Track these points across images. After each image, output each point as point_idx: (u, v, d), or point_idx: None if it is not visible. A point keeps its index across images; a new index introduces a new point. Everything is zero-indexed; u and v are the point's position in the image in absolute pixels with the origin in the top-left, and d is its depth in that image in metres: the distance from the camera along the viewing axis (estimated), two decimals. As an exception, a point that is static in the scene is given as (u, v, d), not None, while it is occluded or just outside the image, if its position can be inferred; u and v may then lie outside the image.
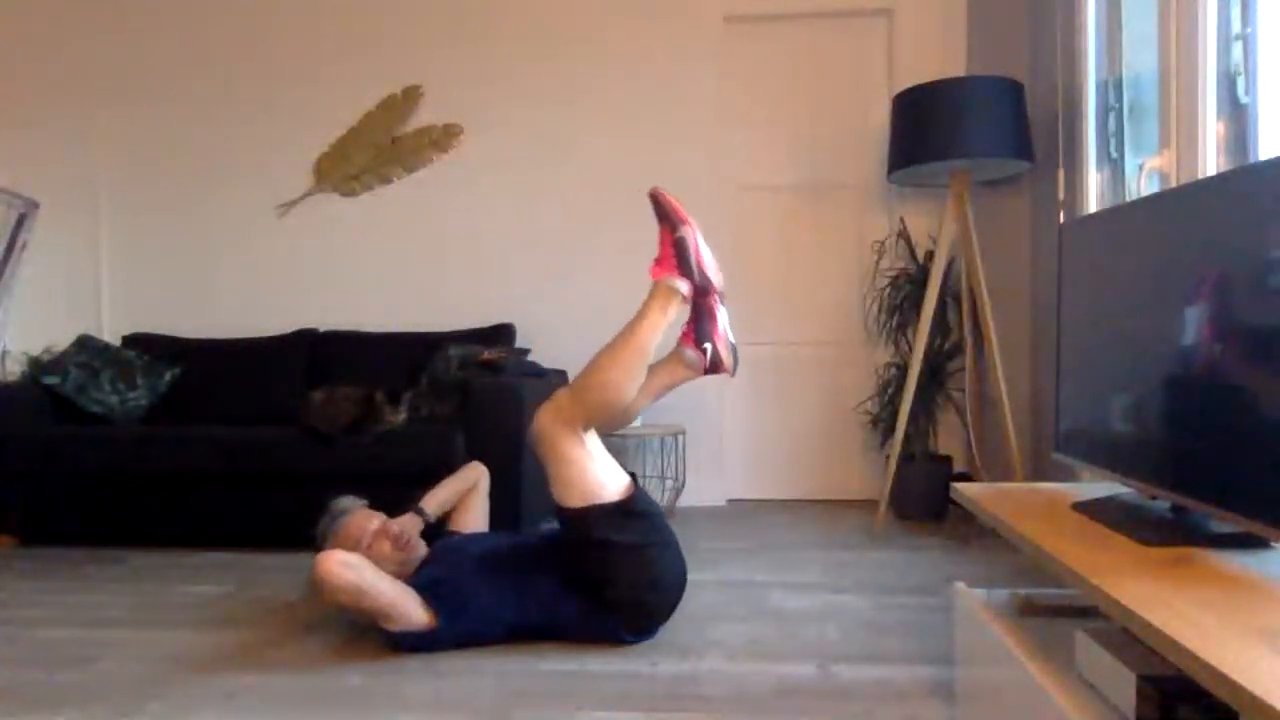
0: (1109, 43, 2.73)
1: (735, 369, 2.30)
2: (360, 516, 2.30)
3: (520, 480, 3.03)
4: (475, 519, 2.54)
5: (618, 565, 2.08)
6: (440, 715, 1.76)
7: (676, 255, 2.17)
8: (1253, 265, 1.16)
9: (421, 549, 2.30)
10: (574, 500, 2.10)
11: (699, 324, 2.25)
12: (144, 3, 4.17)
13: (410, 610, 2.06)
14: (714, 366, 2.25)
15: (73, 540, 3.29)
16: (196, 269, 4.18)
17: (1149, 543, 1.27)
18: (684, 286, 2.16)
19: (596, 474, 2.12)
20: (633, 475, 2.22)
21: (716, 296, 2.23)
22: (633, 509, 2.12)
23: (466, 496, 2.56)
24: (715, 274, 2.21)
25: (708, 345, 2.25)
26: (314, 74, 4.10)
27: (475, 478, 2.59)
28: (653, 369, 2.23)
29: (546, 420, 2.11)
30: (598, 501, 2.09)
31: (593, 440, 2.16)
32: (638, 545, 2.09)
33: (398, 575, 2.15)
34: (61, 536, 3.30)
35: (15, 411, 3.37)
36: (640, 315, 2.16)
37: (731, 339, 2.28)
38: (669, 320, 2.17)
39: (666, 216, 2.19)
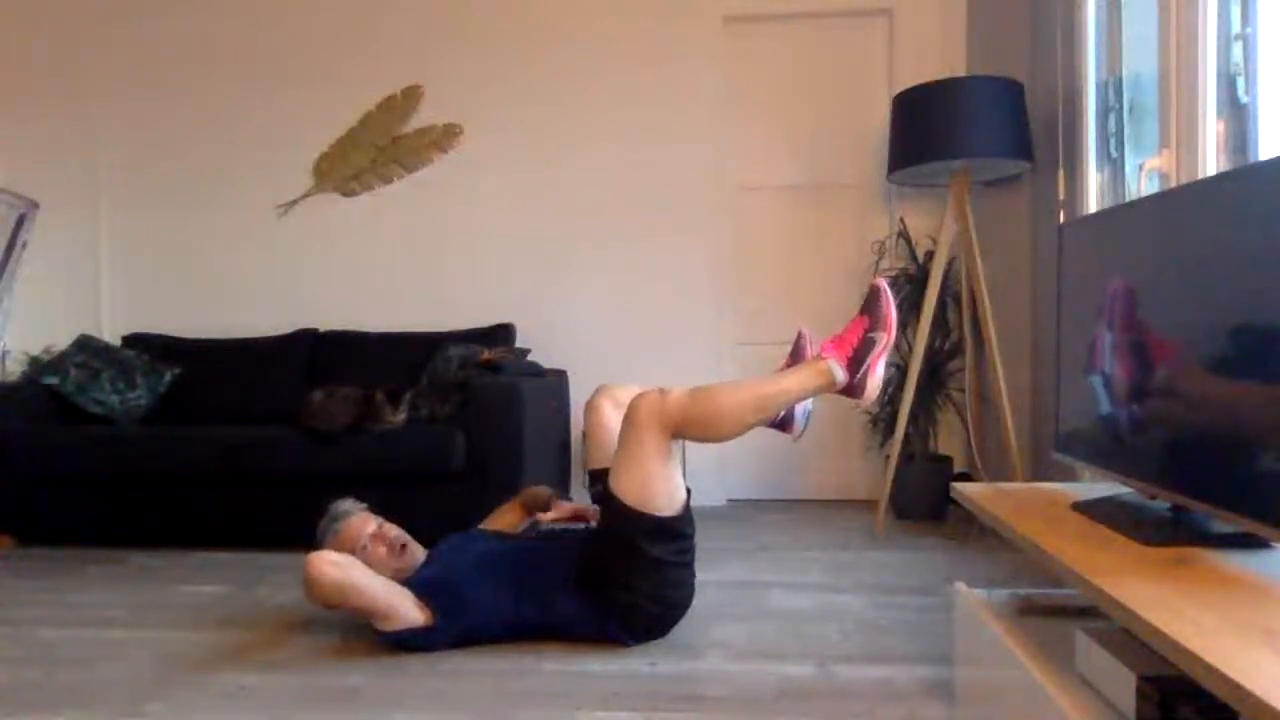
0: (1109, 43, 2.73)
1: (799, 436, 2.25)
2: (359, 520, 2.29)
3: (520, 480, 3.03)
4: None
5: (642, 575, 2.08)
6: (440, 715, 1.77)
7: (858, 350, 2.09)
8: (1252, 264, 1.16)
9: (420, 555, 2.29)
10: (630, 495, 2.06)
11: None
12: (144, 3, 4.17)
13: (405, 610, 2.07)
14: (783, 424, 2.19)
15: (73, 540, 3.28)
16: (196, 269, 4.18)
17: (1149, 543, 1.27)
18: (841, 378, 2.08)
19: (663, 485, 2.07)
20: (688, 491, 2.17)
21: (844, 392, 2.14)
22: (681, 530, 2.11)
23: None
24: (873, 390, 2.11)
25: None
26: (314, 74, 4.09)
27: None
28: None
29: (648, 408, 2.05)
30: (653, 512, 2.06)
31: (676, 447, 2.12)
32: (668, 563, 2.09)
33: (394, 578, 2.14)
34: (61, 536, 3.29)
35: (15, 411, 3.37)
36: (786, 375, 2.09)
37: (810, 407, 2.22)
38: (808, 395, 2.10)
39: (874, 312, 2.12)
